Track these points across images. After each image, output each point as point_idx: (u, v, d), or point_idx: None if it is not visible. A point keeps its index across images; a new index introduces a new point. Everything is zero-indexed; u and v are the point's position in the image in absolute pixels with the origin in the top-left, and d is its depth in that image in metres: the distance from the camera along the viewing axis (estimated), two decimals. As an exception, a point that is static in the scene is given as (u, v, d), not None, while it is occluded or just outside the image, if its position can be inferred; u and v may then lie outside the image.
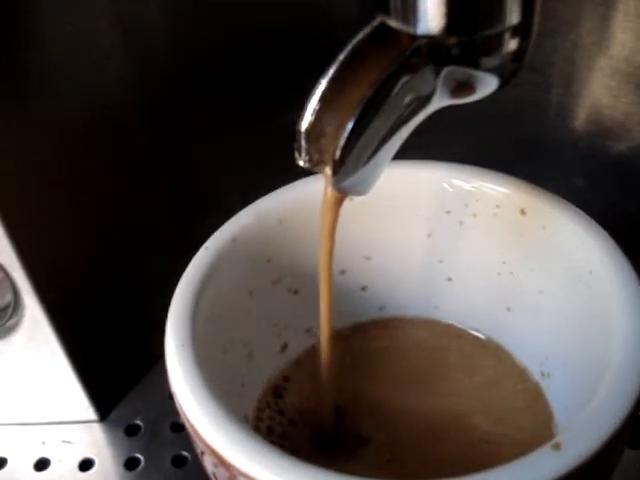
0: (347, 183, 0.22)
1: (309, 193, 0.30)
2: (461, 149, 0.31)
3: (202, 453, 0.24)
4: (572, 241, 0.28)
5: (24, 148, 0.30)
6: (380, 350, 0.34)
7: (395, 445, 0.30)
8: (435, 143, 0.30)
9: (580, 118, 0.38)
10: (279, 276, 0.31)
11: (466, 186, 0.30)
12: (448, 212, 0.31)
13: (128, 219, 0.37)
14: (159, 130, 0.38)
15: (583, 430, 0.21)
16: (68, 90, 0.32)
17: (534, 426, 0.30)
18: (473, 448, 0.29)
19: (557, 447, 0.21)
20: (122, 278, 0.38)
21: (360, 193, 0.24)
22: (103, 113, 0.34)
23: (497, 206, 0.30)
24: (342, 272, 0.33)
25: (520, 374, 0.32)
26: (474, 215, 0.31)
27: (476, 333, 0.34)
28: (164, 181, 0.39)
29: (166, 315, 0.26)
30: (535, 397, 0.31)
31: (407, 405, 0.31)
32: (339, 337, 0.33)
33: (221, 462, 0.22)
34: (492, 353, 0.33)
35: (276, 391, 0.32)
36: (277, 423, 0.31)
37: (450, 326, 0.34)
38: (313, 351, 0.33)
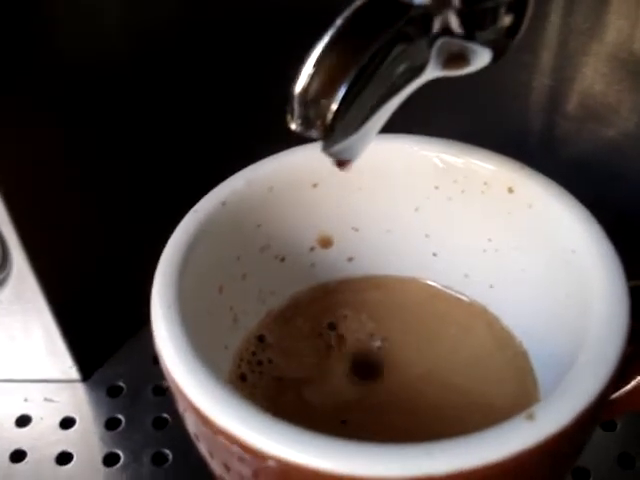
0: (336, 148, 0.23)
1: (299, 162, 0.30)
2: (451, 131, 0.31)
3: (184, 411, 0.24)
4: (557, 220, 0.28)
5: (20, 114, 0.31)
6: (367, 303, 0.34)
7: (376, 404, 0.30)
8: (426, 124, 0.30)
9: (572, 103, 0.38)
10: (267, 242, 0.32)
11: (455, 162, 0.30)
12: (437, 187, 0.31)
13: (122, 188, 0.37)
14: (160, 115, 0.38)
15: (557, 402, 0.22)
16: (70, 62, 0.32)
17: (519, 389, 0.30)
18: (457, 409, 0.29)
19: (531, 417, 0.21)
20: (113, 240, 0.38)
21: (348, 158, 0.24)
22: (103, 86, 0.34)
23: (485, 183, 0.30)
24: (330, 243, 0.33)
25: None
26: (462, 191, 0.31)
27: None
28: (162, 159, 0.39)
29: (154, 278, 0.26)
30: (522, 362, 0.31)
31: (390, 362, 0.31)
32: (323, 290, 0.33)
33: (202, 420, 0.22)
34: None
35: (256, 344, 0.32)
36: (254, 373, 0.31)
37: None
38: (289, 309, 0.33)
